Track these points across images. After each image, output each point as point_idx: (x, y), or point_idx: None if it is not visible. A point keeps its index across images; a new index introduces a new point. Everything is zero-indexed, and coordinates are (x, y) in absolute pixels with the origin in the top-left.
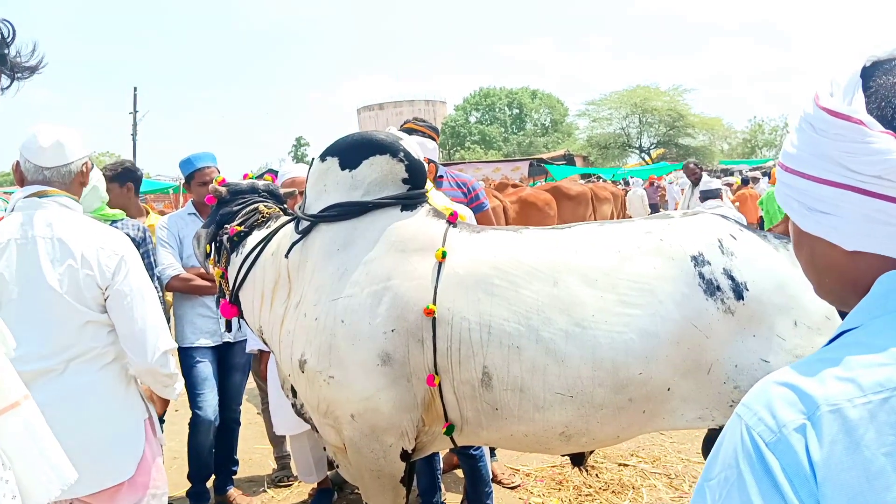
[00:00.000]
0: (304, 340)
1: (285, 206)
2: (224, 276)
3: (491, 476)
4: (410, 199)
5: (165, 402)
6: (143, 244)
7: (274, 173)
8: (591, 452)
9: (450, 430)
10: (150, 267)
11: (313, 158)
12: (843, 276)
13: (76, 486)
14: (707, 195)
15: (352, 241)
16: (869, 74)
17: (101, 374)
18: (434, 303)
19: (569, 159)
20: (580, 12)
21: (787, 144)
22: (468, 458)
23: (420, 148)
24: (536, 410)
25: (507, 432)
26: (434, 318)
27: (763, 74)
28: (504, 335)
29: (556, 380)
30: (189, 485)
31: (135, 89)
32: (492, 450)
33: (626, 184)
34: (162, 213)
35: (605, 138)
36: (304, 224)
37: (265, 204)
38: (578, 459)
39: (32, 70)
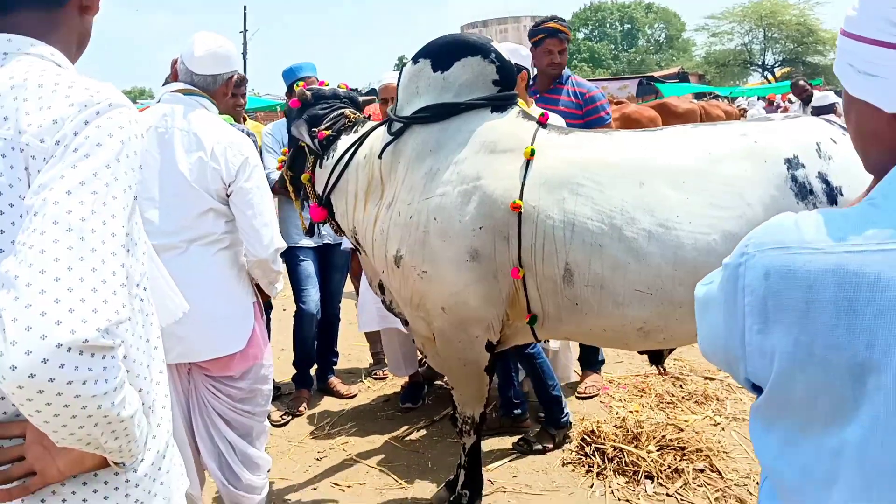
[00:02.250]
0: (398, 238)
1: (369, 116)
2: (311, 179)
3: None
4: (501, 101)
5: (265, 299)
6: None
7: (352, 88)
8: (670, 352)
9: (532, 320)
10: None
11: (404, 62)
12: (884, 143)
13: (196, 353)
14: (820, 111)
15: (443, 143)
16: None
17: (218, 256)
18: (520, 199)
19: (682, 77)
20: None
21: (849, 9)
22: (527, 358)
23: (513, 55)
24: (616, 307)
25: (586, 327)
26: (520, 215)
27: None
28: (587, 233)
29: (636, 277)
30: (294, 372)
31: (244, 8)
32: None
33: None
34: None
35: (724, 55)
36: (397, 126)
37: (350, 109)
38: (657, 358)
39: None
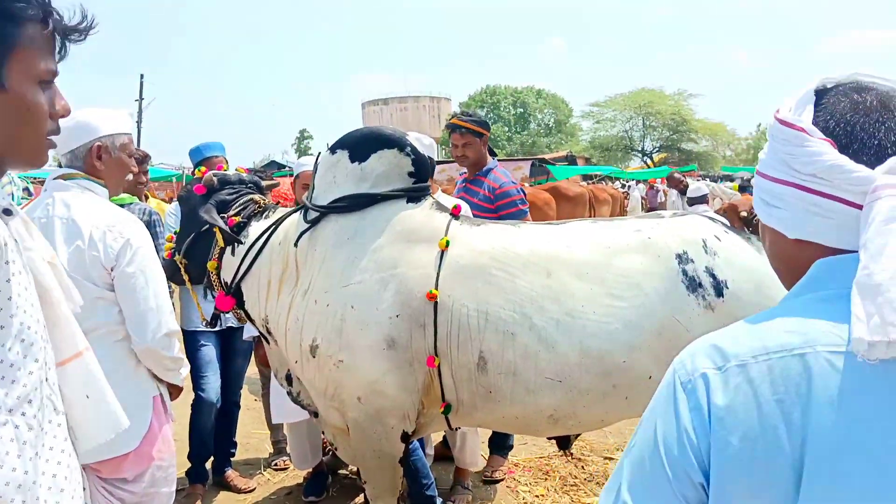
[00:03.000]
0: (314, 326)
1: (278, 202)
2: (218, 267)
3: (430, 468)
4: (416, 192)
5: (177, 390)
6: (150, 227)
7: (250, 170)
8: (577, 437)
9: (447, 409)
10: (157, 249)
11: (320, 152)
12: (790, 263)
13: (82, 455)
14: (694, 201)
15: (361, 231)
16: (824, 93)
17: (111, 349)
18: (436, 289)
19: (571, 160)
20: (595, 13)
21: (761, 153)
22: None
23: (415, 144)
24: (528, 394)
25: (499, 414)
26: (436, 304)
27: (773, 83)
28: (500, 322)
29: (546, 365)
30: (189, 465)
31: (141, 76)
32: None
33: (623, 186)
34: (163, 201)
35: (608, 140)
36: (313, 214)
37: (258, 195)
38: (564, 443)
39: (85, 32)
